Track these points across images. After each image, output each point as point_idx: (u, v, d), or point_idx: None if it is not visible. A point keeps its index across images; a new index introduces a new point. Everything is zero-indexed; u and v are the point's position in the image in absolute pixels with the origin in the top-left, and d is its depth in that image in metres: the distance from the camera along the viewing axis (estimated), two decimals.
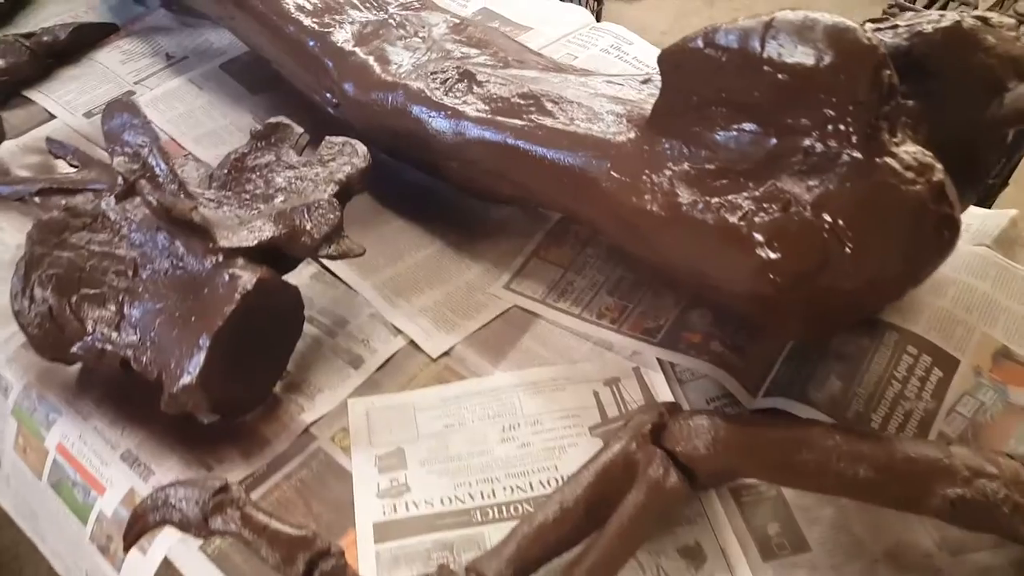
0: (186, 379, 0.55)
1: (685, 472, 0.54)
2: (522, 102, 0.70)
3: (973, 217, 0.77)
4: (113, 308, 0.60)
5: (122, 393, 0.64)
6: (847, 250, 0.52)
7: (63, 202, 0.62)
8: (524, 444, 0.63)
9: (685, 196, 0.57)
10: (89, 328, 0.59)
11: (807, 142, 0.53)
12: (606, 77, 0.71)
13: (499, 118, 0.70)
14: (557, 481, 0.60)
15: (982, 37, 0.58)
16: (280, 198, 0.64)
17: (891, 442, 0.54)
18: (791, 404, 0.63)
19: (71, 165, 0.85)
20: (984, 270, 0.73)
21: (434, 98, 0.73)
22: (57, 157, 0.86)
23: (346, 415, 0.65)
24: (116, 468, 0.60)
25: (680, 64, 0.57)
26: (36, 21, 1.03)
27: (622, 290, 0.74)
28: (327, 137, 0.68)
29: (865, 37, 0.52)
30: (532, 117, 0.68)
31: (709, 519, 0.58)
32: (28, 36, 0.95)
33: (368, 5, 0.81)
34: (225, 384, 0.57)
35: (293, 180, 0.65)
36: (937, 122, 0.56)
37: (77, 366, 0.65)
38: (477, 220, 0.80)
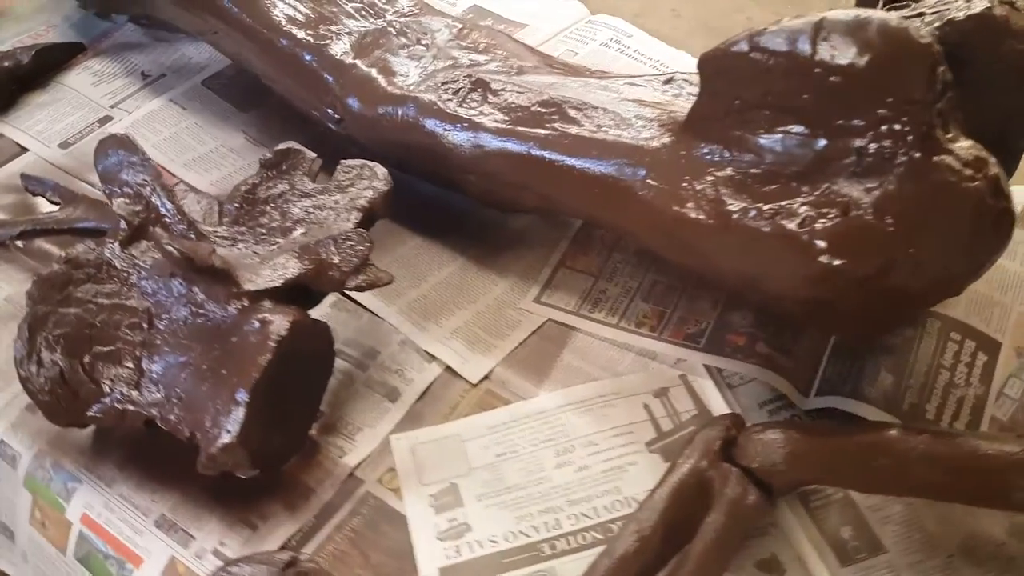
0: (225, 437, 0.51)
1: (761, 487, 0.52)
2: (543, 110, 0.66)
3: None
4: (131, 365, 0.55)
5: (146, 454, 0.60)
6: (910, 251, 0.50)
7: (62, 254, 0.57)
8: (582, 467, 0.60)
9: (734, 203, 0.54)
10: (106, 389, 0.55)
11: (859, 143, 0.51)
12: (626, 79, 0.68)
13: (520, 128, 0.66)
14: (622, 504, 0.58)
15: (1013, 23, 0.57)
16: (300, 230, 0.60)
17: (965, 440, 0.53)
18: (846, 402, 0.62)
19: (51, 202, 0.80)
20: (1013, 249, 0.71)
21: (448, 110, 0.69)
22: (35, 195, 0.80)
23: (390, 453, 0.61)
24: (151, 537, 0.56)
25: (722, 68, 0.54)
26: None
27: (657, 295, 0.71)
28: (342, 161, 0.64)
29: (919, 35, 0.50)
30: (556, 125, 0.65)
31: (782, 529, 0.56)
32: None
33: (364, 13, 0.77)
34: (264, 436, 0.54)
35: (311, 210, 0.61)
36: (969, 111, 0.55)
37: (90, 427, 0.61)
38: (496, 232, 0.76)
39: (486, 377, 0.66)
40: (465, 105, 0.69)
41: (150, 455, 0.59)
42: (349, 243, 0.56)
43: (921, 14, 0.58)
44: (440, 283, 0.73)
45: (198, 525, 0.56)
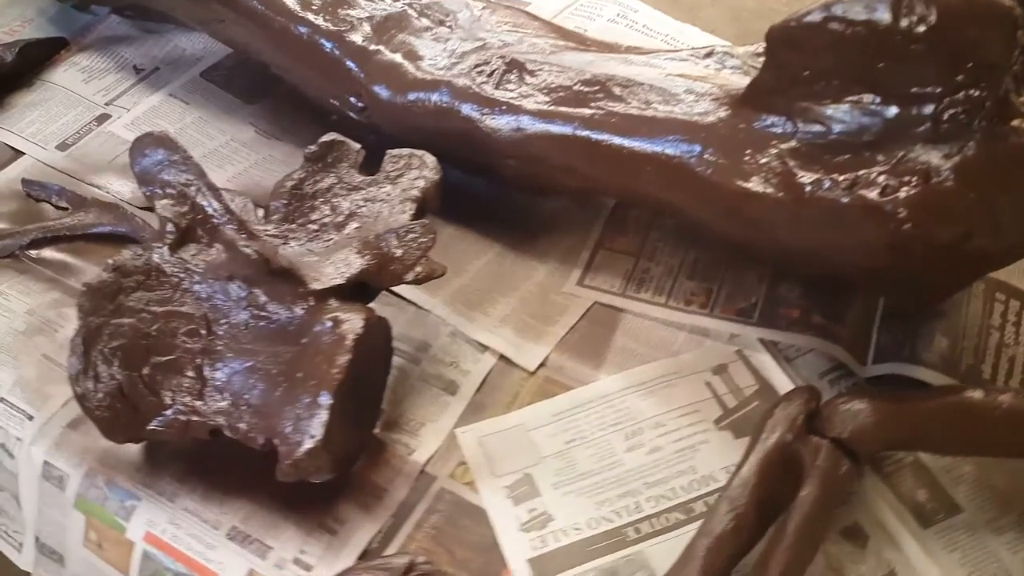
0: (308, 443, 0.49)
1: (849, 456, 0.52)
2: (587, 89, 0.65)
3: None
4: (191, 374, 0.53)
5: (207, 465, 0.57)
6: (990, 215, 0.51)
7: (109, 261, 0.53)
8: (653, 449, 0.60)
9: (806, 175, 0.54)
10: (167, 400, 0.52)
11: (934, 109, 0.51)
12: (665, 54, 0.67)
13: (563, 108, 0.65)
14: (699, 483, 0.58)
15: None
16: (353, 224, 0.58)
17: None
18: (907, 368, 0.62)
19: (57, 208, 0.76)
20: None
21: (484, 93, 0.67)
22: (39, 200, 0.76)
23: (458, 447, 0.60)
24: (225, 550, 0.54)
25: (792, 40, 0.53)
26: None
27: (701, 272, 0.70)
28: (389, 151, 0.62)
29: None
30: (601, 104, 0.64)
31: (861, 497, 0.57)
32: None
33: None
34: (342, 439, 0.52)
35: (362, 203, 0.59)
36: None
37: (141, 442, 0.58)
38: (529, 217, 0.75)
39: (543, 364, 0.65)
40: (502, 88, 0.68)
41: (211, 466, 0.57)
42: (412, 235, 0.55)
43: None
44: (480, 272, 0.71)
45: (274, 534, 0.54)
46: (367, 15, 0.74)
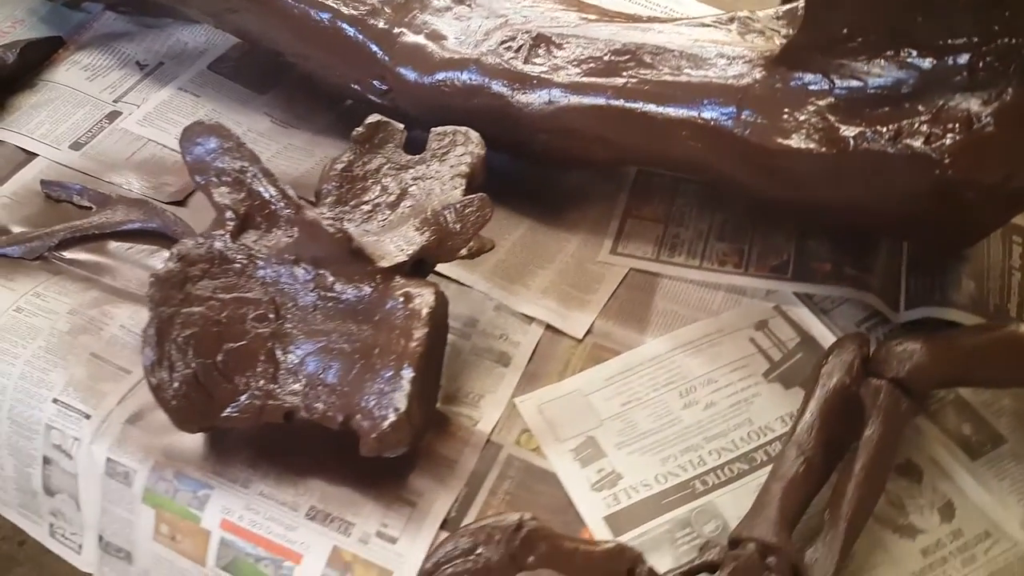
0: (392, 416, 0.50)
1: (907, 395, 0.55)
2: (618, 59, 0.66)
3: None
4: (264, 358, 0.53)
5: (276, 449, 0.57)
6: None
7: (174, 251, 0.53)
8: (708, 405, 0.61)
9: (849, 128, 0.56)
10: (241, 386, 0.52)
11: (968, 59, 0.54)
12: (688, 21, 0.69)
13: (596, 79, 0.66)
14: (757, 434, 0.60)
15: None
16: (407, 203, 0.58)
17: None
18: (939, 311, 0.65)
19: (79, 207, 0.75)
20: None
21: (514, 69, 0.68)
22: (60, 201, 0.75)
23: (518, 416, 0.61)
24: (307, 530, 0.54)
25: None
26: None
27: (729, 234, 0.73)
28: (433, 129, 0.62)
29: None
30: (633, 72, 0.65)
31: (910, 435, 0.59)
32: None
33: None
34: (418, 411, 0.53)
35: (412, 181, 0.59)
36: None
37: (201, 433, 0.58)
38: (554, 191, 0.76)
39: (589, 331, 0.66)
40: (531, 62, 0.68)
41: (281, 450, 0.57)
42: (470, 210, 0.55)
43: None
44: (514, 246, 0.72)
45: (354, 511, 0.55)
46: None
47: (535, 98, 0.68)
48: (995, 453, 0.59)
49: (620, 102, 0.66)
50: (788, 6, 0.67)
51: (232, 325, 0.52)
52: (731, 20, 0.68)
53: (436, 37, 0.72)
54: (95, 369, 0.62)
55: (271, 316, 0.53)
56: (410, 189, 0.59)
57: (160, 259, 0.70)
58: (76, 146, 0.79)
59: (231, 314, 0.53)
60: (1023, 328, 0.55)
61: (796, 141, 0.58)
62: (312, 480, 0.56)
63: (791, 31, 0.66)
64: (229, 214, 0.54)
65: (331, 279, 0.53)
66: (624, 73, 0.66)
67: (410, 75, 0.71)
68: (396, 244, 0.55)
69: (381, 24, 0.72)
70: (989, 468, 0.58)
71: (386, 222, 0.57)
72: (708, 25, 0.68)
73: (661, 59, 0.65)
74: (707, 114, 0.62)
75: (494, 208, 0.57)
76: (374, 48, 0.72)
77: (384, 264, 0.53)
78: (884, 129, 0.54)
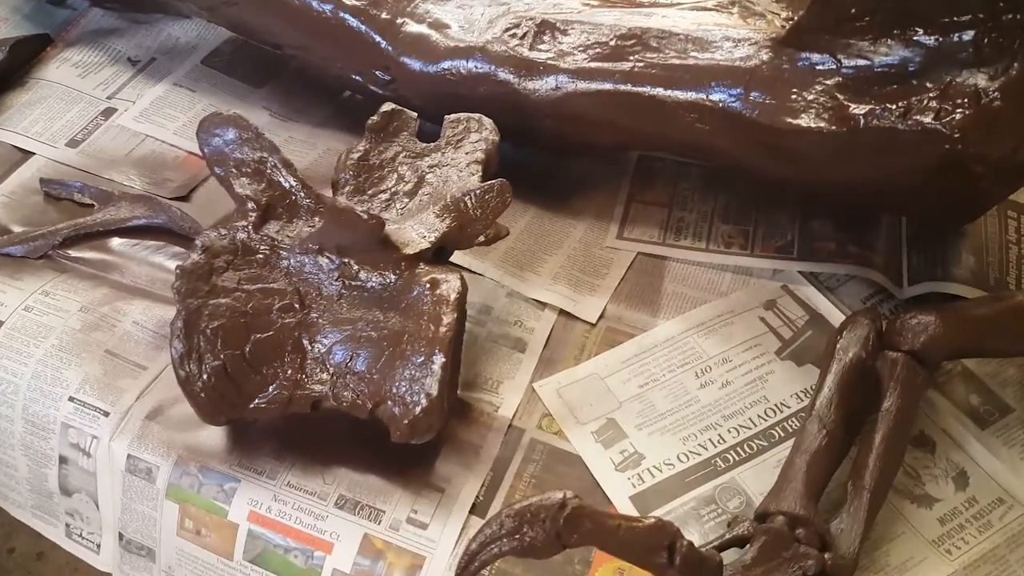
0: (424, 402, 0.50)
1: (922, 366, 0.56)
2: (624, 43, 0.67)
3: None
4: (291, 347, 0.53)
5: (300, 439, 0.57)
6: None
7: (199, 242, 0.53)
8: (724, 384, 0.62)
9: (859, 106, 0.57)
10: (270, 376, 0.52)
11: (973, 36, 0.55)
12: (691, 5, 0.70)
13: (602, 64, 0.67)
14: (773, 411, 0.61)
15: None
16: (425, 190, 0.58)
17: None
18: (942, 285, 0.66)
19: (80, 205, 0.74)
20: None
21: (520, 55, 0.68)
22: (60, 199, 0.74)
23: (538, 401, 0.61)
24: (337, 519, 0.54)
25: None
26: None
27: (733, 215, 0.74)
28: (447, 117, 0.62)
29: None
30: (640, 57, 0.66)
31: (922, 407, 0.61)
32: None
33: None
34: (447, 397, 0.53)
35: (428, 169, 0.59)
36: None
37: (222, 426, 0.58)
38: (559, 178, 0.77)
39: (602, 316, 0.67)
40: (536, 49, 0.69)
41: (305, 440, 0.57)
42: (489, 196, 0.55)
43: None
44: (522, 233, 0.73)
45: (383, 498, 0.55)
46: None
47: (541, 84, 0.68)
48: (1003, 422, 0.60)
49: (628, 86, 0.66)
50: None
51: (259, 316, 0.52)
52: (732, 3, 0.69)
53: (439, 26, 0.72)
54: (111, 366, 0.61)
55: (297, 306, 0.53)
56: (427, 177, 0.59)
57: (167, 255, 0.70)
58: (73, 143, 0.78)
59: (257, 305, 0.52)
60: None
61: (806, 120, 0.59)
62: (339, 469, 0.56)
63: (790, 13, 0.67)
64: (251, 205, 0.54)
65: (356, 267, 0.53)
66: (631, 57, 0.66)
67: (415, 64, 0.71)
68: (417, 231, 0.55)
69: (384, 14, 0.72)
70: (998, 436, 0.60)
71: (405, 210, 0.57)
72: (710, 9, 0.69)
73: (667, 43, 0.66)
74: (715, 96, 0.63)
75: (512, 194, 0.58)
76: (377, 38, 0.72)
77: (408, 251, 0.53)
78: (893, 106, 0.55)
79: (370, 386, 0.52)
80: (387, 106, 0.62)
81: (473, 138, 0.60)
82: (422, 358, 0.50)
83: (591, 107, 0.68)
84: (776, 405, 0.61)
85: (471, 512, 0.55)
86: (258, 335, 0.52)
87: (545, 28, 0.70)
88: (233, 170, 0.54)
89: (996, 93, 0.53)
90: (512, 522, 0.43)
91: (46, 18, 0.91)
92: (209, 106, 0.81)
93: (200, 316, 0.51)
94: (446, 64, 0.70)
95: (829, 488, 0.54)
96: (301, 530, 0.55)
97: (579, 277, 0.70)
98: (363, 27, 0.72)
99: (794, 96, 0.60)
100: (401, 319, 0.52)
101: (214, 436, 0.58)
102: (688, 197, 0.76)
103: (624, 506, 0.56)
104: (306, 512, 0.55)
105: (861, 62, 0.58)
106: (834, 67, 0.59)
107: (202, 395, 0.51)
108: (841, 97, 0.58)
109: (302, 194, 0.54)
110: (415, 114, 0.63)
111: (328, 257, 0.53)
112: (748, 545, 0.51)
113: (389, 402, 0.51)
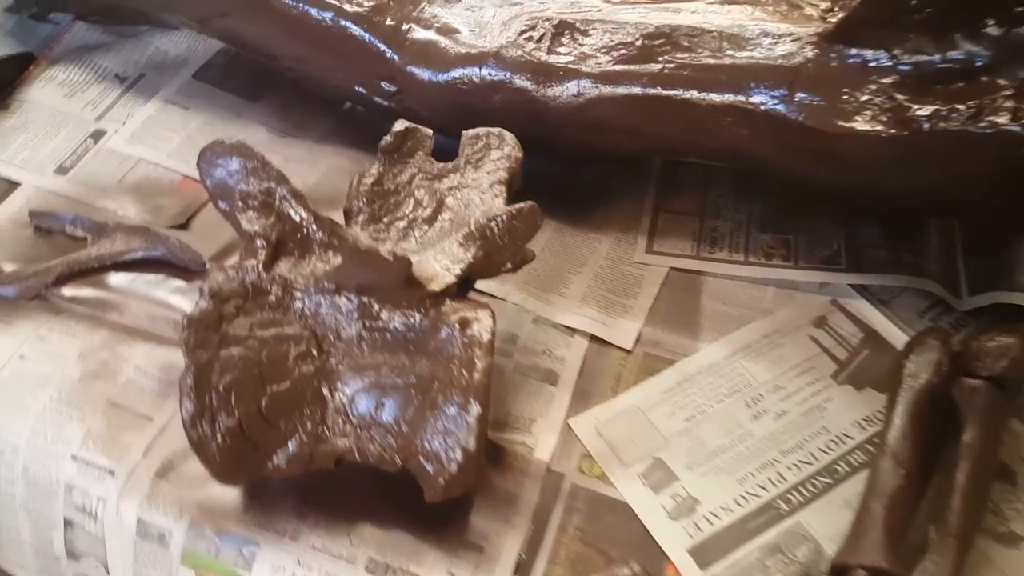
0: (460, 458, 0.45)
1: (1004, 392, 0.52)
2: (651, 43, 0.61)
3: None
4: (310, 398, 0.48)
5: (321, 495, 0.52)
6: None
7: (204, 288, 0.48)
8: (779, 414, 0.57)
9: (920, 107, 0.52)
10: (289, 431, 0.47)
11: None
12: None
13: (628, 67, 0.62)
14: (836, 443, 0.56)
15: None
16: (446, 215, 0.53)
17: None
18: (1007, 296, 0.61)
19: (73, 238, 0.68)
20: None
21: (538, 60, 0.63)
22: (51, 232, 0.69)
23: (575, 440, 0.56)
24: None
25: None
26: None
27: (771, 224, 0.68)
28: (464, 133, 0.57)
29: None
30: (669, 57, 0.61)
31: None
32: None
33: None
34: (483, 447, 0.48)
35: (448, 192, 0.54)
36: None
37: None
38: (578, 188, 0.71)
39: (638, 340, 0.62)
40: (555, 52, 0.64)
41: (326, 496, 0.52)
42: (517, 221, 0.50)
43: None
44: (543, 251, 0.67)
45: (418, 560, 0.50)
46: None
47: (562, 91, 0.63)
48: None
49: (657, 90, 0.61)
50: None
51: (274, 366, 0.47)
52: None
53: (448, 31, 0.67)
54: (114, 418, 0.56)
55: (314, 352, 0.48)
56: (447, 200, 0.54)
57: (167, 289, 0.65)
58: (61, 171, 0.73)
59: (271, 353, 0.47)
60: None
61: (860, 123, 0.54)
62: (365, 527, 0.51)
63: (830, 4, 0.62)
64: (260, 242, 0.49)
65: (377, 307, 0.48)
66: (660, 58, 0.61)
67: (423, 74, 0.66)
68: (441, 263, 0.50)
69: (388, 20, 0.67)
70: None
71: (425, 238, 0.52)
72: (741, 3, 0.63)
73: (699, 41, 0.61)
74: (756, 98, 0.58)
75: (543, 218, 0.53)
76: (382, 47, 0.67)
77: (433, 287, 0.48)
78: (962, 107, 0.50)
79: (399, 439, 0.47)
80: (400, 124, 0.56)
81: (495, 155, 0.55)
82: (455, 408, 0.45)
83: (617, 113, 0.63)
84: (838, 436, 0.56)
85: (515, 574, 0.50)
86: (274, 387, 0.47)
87: (563, 29, 0.64)
88: (239, 203, 0.49)
89: None
90: None
91: (28, 34, 0.85)
92: (204, 124, 0.76)
93: (211, 370, 0.46)
94: (457, 72, 0.65)
95: None
96: None
97: (609, 298, 0.65)
98: (366, 35, 0.67)
99: (845, 96, 0.55)
100: (430, 364, 0.47)
101: (230, 494, 0.52)
102: (720, 204, 0.70)
103: (682, 561, 0.51)
104: None
105: (921, 58, 0.53)
106: (890, 64, 0.54)
107: (217, 457, 0.46)
108: (900, 97, 0.52)
109: (314, 227, 0.49)
110: (430, 131, 0.58)
111: (347, 297, 0.48)
112: None
113: (421, 457, 0.46)
